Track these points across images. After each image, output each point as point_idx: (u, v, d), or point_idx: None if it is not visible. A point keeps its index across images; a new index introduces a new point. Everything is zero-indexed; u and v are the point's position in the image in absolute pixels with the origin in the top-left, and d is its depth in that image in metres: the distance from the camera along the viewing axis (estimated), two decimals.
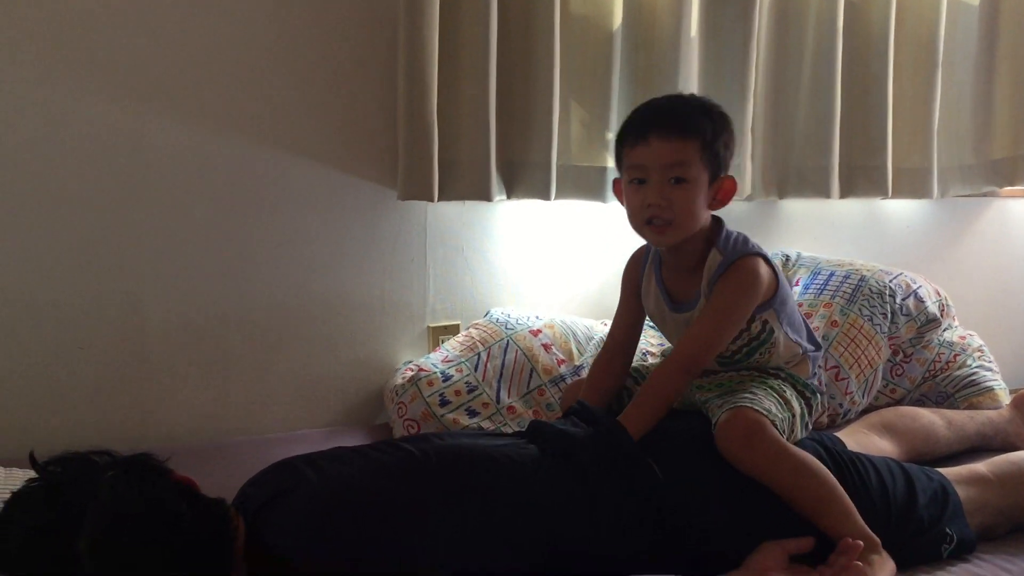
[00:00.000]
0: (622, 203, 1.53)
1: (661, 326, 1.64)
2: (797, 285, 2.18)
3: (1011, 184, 2.57)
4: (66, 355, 1.79)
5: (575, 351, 2.00)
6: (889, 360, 2.08)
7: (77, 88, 1.73)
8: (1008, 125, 2.53)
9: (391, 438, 1.74)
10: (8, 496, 1.15)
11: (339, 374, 2.02)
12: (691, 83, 2.14)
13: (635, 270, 1.65)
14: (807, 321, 1.62)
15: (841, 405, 1.98)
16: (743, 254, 1.48)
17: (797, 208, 2.48)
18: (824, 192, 2.31)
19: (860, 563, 1.28)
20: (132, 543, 1.08)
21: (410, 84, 1.85)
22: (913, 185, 2.44)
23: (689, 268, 1.53)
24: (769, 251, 2.25)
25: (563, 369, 1.95)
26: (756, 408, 1.39)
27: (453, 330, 2.10)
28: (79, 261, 1.77)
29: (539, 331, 2.01)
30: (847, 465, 1.45)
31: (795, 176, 2.32)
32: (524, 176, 2.03)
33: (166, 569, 1.10)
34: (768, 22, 2.25)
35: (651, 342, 2.01)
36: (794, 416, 1.46)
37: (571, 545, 1.27)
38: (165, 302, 1.85)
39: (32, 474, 1.16)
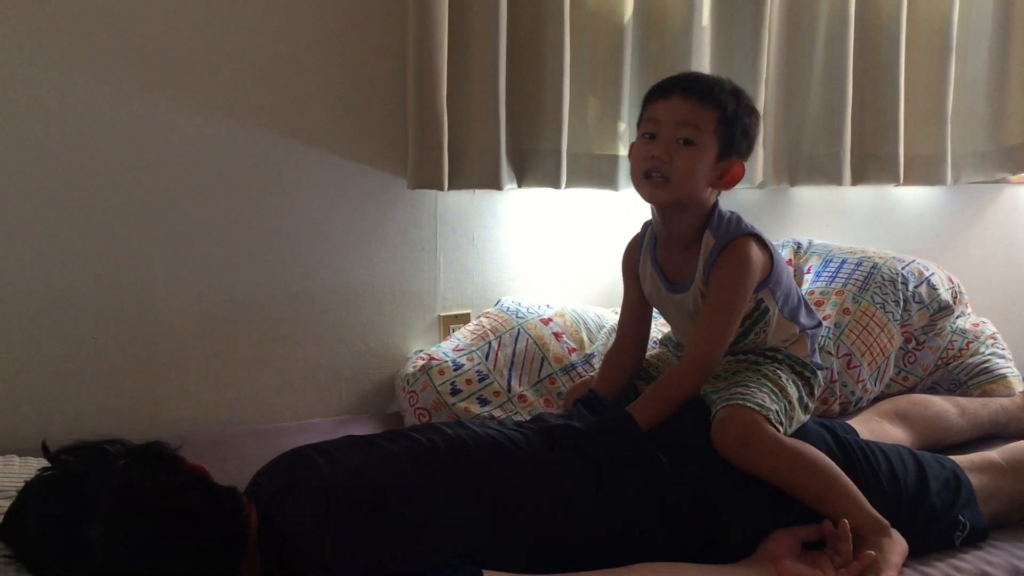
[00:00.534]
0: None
1: (660, 308, 1.64)
2: (809, 273, 2.17)
3: None
4: (79, 345, 1.79)
5: (586, 340, 1.99)
6: (901, 348, 2.07)
7: (86, 77, 1.74)
8: (1022, 111, 2.50)
9: (401, 427, 1.75)
10: (22, 485, 1.16)
11: (350, 363, 2.03)
12: (702, 70, 2.12)
13: (632, 255, 1.65)
14: (806, 298, 1.61)
15: (853, 393, 1.98)
16: (735, 235, 1.47)
17: (809, 195, 2.47)
18: (836, 179, 2.30)
19: (871, 552, 1.28)
20: (145, 531, 1.09)
21: (420, 72, 1.85)
22: (926, 172, 2.42)
23: (684, 246, 1.52)
24: (781, 239, 2.28)
25: (574, 358, 1.95)
26: (749, 405, 1.38)
27: (464, 319, 2.11)
28: (92, 252, 1.78)
29: (550, 320, 2.00)
30: (856, 453, 1.45)
31: (807, 163, 2.31)
32: (534, 164, 2.02)
33: (179, 557, 1.11)
34: (779, 9, 2.23)
35: (661, 329, 2.01)
36: (790, 402, 1.45)
37: (576, 531, 1.27)
38: (177, 292, 1.85)
39: (45, 463, 1.17)
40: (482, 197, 2.10)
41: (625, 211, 2.13)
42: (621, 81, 2.05)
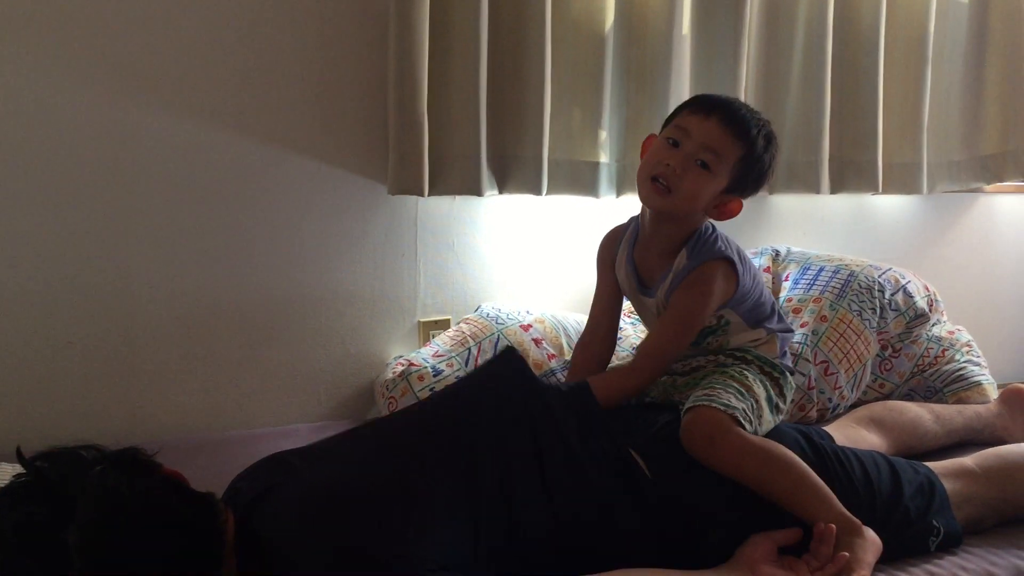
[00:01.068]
0: (642, 157, 1.55)
1: (634, 303, 1.68)
2: (787, 280, 2.18)
3: (999, 180, 2.58)
4: (55, 350, 1.78)
5: (566, 346, 2.00)
6: (878, 355, 2.09)
7: (65, 81, 1.73)
8: (997, 121, 2.54)
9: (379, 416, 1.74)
10: None
11: (330, 368, 2.02)
12: (683, 79, 2.14)
13: (611, 246, 1.68)
14: (778, 306, 1.64)
15: (830, 400, 1.99)
16: (706, 259, 1.51)
17: (787, 203, 2.48)
18: (814, 187, 2.32)
19: (845, 553, 1.29)
20: (122, 537, 1.08)
21: (401, 78, 1.85)
22: (903, 180, 2.45)
23: (659, 253, 1.55)
24: (759, 246, 2.30)
25: (554, 364, 1.95)
26: (714, 406, 1.40)
27: (444, 325, 2.11)
28: (69, 255, 1.77)
29: (530, 326, 2.01)
30: (831, 458, 1.46)
31: (785, 171, 2.33)
32: (515, 171, 2.03)
33: (156, 563, 1.11)
34: (759, 18, 2.25)
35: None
36: (757, 401, 1.46)
37: (547, 512, 1.27)
38: (154, 296, 1.84)
39: (19, 469, 1.16)
40: (462, 203, 2.10)
41: (605, 218, 2.13)
42: (602, 88, 2.06)
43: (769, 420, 1.49)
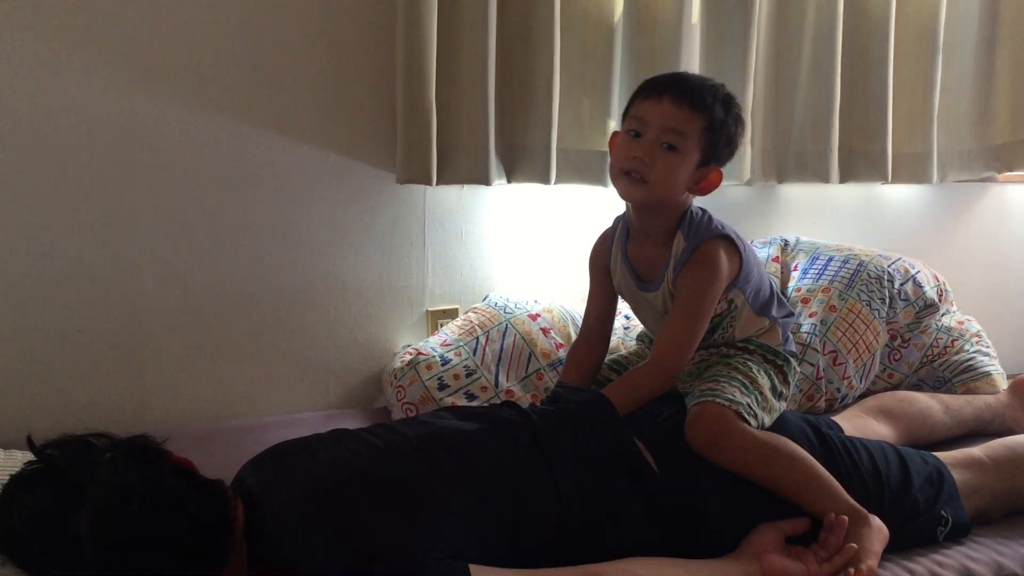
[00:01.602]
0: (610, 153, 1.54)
1: (630, 302, 1.66)
2: (796, 270, 2.18)
3: (1010, 169, 2.56)
4: (65, 337, 1.79)
5: (573, 335, 2.00)
6: (887, 345, 2.09)
7: (74, 72, 1.73)
8: (1008, 110, 2.52)
9: (388, 421, 1.75)
10: (7, 479, 1.16)
11: (338, 358, 2.03)
12: (692, 67, 2.13)
13: (602, 251, 1.66)
14: (777, 290, 1.62)
15: (839, 390, 1.99)
16: (706, 238, 1.48)
17: (796, 193, 2.48)
18: (823, 177, 2.31)
19: (853, 544, 1.29)
20: (131, 524, 1.09)
21: (409, 67, 1.85)
22: (912, 170, 2.44)
23: (655, 244, 1.53)
24: (768, 236, 2.29)
25: (562, 353, 1.95)
26: (719, 400, 1.39)
27: (452, 314, 2.11)
28: (78, 244, 1.77)
29: (538, 315, 2.01)
30: (838, 448, 1.46)
31: (795, 161, 2.32)
32: (524, 160, 2.02)
33: (166, 550, 1.11)
34: (769, 7, 2.24)
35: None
36: (762, 393, 1.46)
37: (555, 517, 1.27)
38: (163, 284, 1.85)
39: (31, 456, 1.16)
40: (471, 192, 2.10)
41: (614, 207, 2.12)
42: (611, 77, 2.05)
43: (776, 409, 1.49)
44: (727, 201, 2.34)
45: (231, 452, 1.48)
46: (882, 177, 2.37)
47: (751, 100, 2.19)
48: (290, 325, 1.97)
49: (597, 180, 2.09)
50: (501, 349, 1.93)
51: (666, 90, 1.46)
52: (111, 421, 1.76)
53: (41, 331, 1.77)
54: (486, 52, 1.89)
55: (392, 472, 1.24)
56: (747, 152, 2.21)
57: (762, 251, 2.20)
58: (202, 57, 1.82)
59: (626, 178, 1.46)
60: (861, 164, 2.38)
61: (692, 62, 2.13)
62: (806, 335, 1.98)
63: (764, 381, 1.48)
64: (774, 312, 1.57)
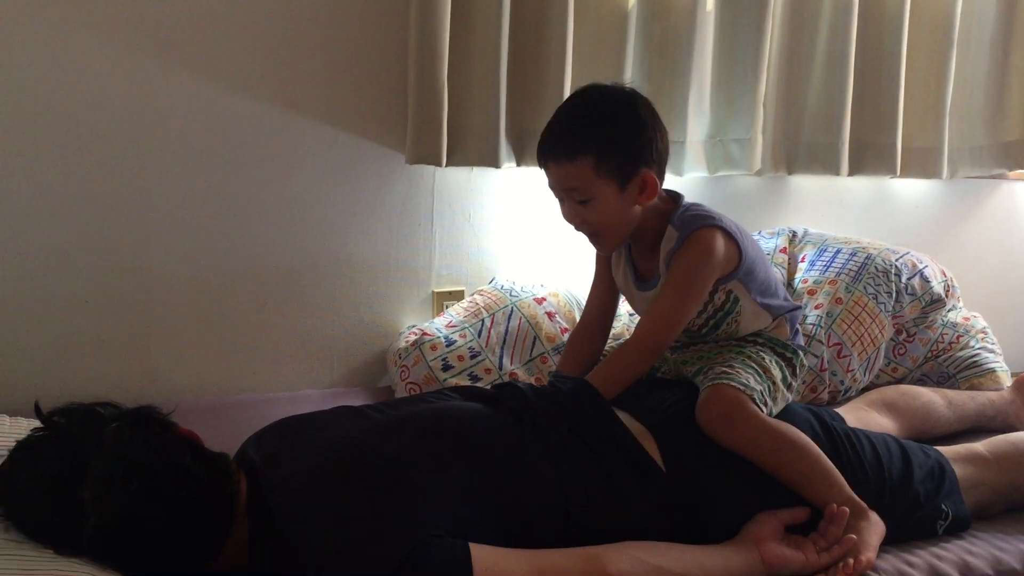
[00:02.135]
0: None
1: (630, 302, 1.67)
2: (803, 261, 2.17)
3: (1021, 167, 2.55)
4: (72, 308, 1.80)
5: (578, 320, 2.00)
6: (892, 339, 2.08)
7: (86, 43, 1.73)
8: (1021, 108, 2.51)
9: (390, 399, 1.75)
10: (13, 445, 1.16)
11: (343, 336, 2.03)
12: (705, 56, 2.13)
13: None
14: (780, 280, 1.62)
15: (842, 382, 1.99)
16: (698, 226, 1.47)
17: (806, 184, 2.47)
18: (833, 169, 2.30)
19: (852, 536, 1.29)
20: (136, 493, 1.10)
21: (421, 48, 1.85)
22: (923, 164, 2.43)
23: (649, 247, 1.54)
24: (776, 226, 2.28)
25: (566, 337, 1.95)
26: (734, 384, 1.40)
27: (458, 296, 2.11)
28: (87, 215, 1.78)
29: (543, 299, 2.01)
30: (842, 439, 1.46)
31: (805, 152, 2.31)
32: (534, 144, 1.98)
33: (169, 520, 1.12)
34: None
35: None
36: (774, 383, 1.47)
37: (555, 500, 1.27)
38: (172, 258, 1.85)
39: (36, 424, 1.17)
40: (480, 175, 2.09)
41: None
42: (624, 64, 2.04)
43: (785, 399, 1.50)
44: (736, 191, 2.34)
45: (235, 426, 1.50)
46: (891, 171, 2.36)
47: (764, 89, 2.18)
48: (296, 302, 1.97)
49: None
50: (506, 332, 1.94)
51: (544, 156, 1.48)
52: (117, 391, 1.78)
53: (49, 300, 1.78)
54: (499, 34, 1.88)
55: (394, 449, 1.24)
56: (758, 142, 2.20)
57: (770, 241, 2.20)
58: (216, 33, 1.82)
59: (589, 239, 1.53)
60: (871, 157, 2.37)
61: (706, 50, 2.13)
62: (811, 327, 1.98)
63: (776, 372, 1.49)
64: (777, 305, 1.57)
